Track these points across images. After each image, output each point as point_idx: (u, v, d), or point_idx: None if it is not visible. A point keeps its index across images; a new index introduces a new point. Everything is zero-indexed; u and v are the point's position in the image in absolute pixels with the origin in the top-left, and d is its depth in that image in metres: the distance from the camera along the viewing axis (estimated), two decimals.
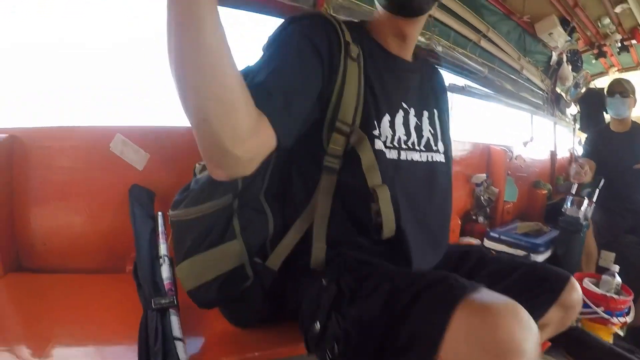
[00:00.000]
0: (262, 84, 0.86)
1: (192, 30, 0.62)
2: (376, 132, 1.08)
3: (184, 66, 0.65)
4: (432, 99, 1.29)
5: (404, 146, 1.14)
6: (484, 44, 3.52)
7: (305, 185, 1.12)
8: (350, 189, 1.07)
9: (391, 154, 1.10)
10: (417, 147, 1.18)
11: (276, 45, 0.98)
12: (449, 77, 3.10)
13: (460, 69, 3.32)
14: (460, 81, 3.40)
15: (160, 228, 1.63)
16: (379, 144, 1.07)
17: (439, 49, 3.00)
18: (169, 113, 2.06)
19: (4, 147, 1.74)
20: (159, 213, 1.73)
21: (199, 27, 0.62)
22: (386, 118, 1.12)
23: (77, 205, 1.89)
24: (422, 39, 2.92)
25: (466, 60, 3.30)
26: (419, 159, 1.18)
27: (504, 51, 3.80)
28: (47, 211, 1.87)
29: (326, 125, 1.05)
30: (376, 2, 1.11)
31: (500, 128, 4.65)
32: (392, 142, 1.11)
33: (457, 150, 1.99)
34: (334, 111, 1.03)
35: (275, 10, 2.27)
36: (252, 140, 0.78)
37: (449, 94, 1.43)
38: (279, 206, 1.16)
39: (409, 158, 1.15)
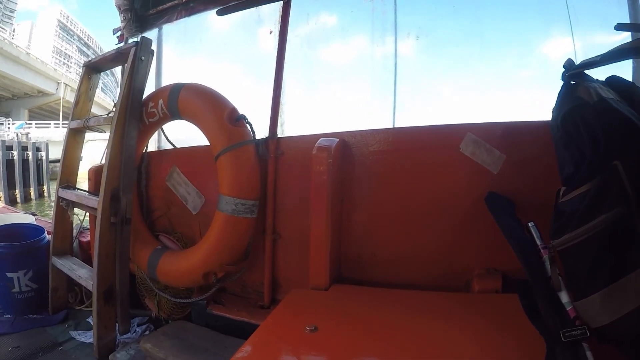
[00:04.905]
0: None
1: None
2: None
3: None
4: None
5: None
6: None
7: None
8: None
9: None
10: None
11: None
12: None
13: None
14: None
15: (539, 242, 1.33)
16: None
17: None
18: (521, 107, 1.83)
19: (338, 151, 1.82)
20: (531, 224, 1.43)
21: None
22: None
23: (415, 212, 1.81)
24: None
25: None
26: None
27: None
28: (376, 218, 1.85)
29: None
30: None
31: None
32: None
33: None
34: None
35: None
36: None
37: None
38: None
39: None
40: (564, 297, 1.14)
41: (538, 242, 1.35)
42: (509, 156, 1.69)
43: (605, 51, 1.25)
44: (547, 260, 1.27)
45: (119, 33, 2.98)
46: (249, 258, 2.15)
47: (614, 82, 1.35)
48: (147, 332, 2.40)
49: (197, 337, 2.13)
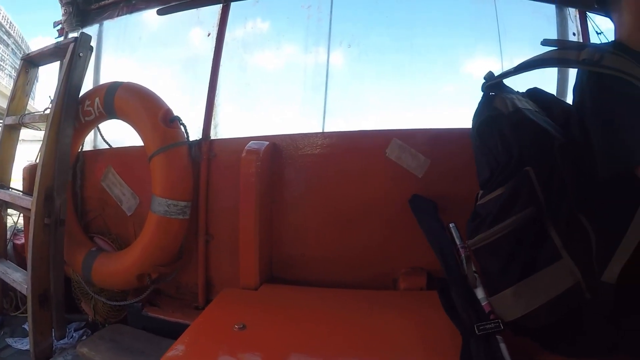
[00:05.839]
0: None
1: None
2: None
3: None
4: None
5: None
6: None
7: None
8: None
9: None
10: None
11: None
12: None
13: None
14: None
15: (458, 242, 1.40)
16: None
17: None
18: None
19: (267, 154, 1.86)
20: (452, 225, 1.50)
21: None
22: None
23: (343, 214, 1.87)
24: None
25: None
26: None
27: None
28: (306, 219, 1.91)
29: None
30: None
31: None
32: None
33: None
34: None
35: None
36: None
37: None
38: (597, 217, 1.07)
39: None
40: (480, 294, 1.20)
41: (457, 242, 1.42)
42: (433, 161, 1.77)
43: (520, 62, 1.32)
44: (464, 259, 1.34)
45: (59, 26, 2.90)
46: (183, 259, 2.14)
47: (534, 94, 1.43)
48: (84, 337, 2.33)
49: (133, 339, 2.09)
